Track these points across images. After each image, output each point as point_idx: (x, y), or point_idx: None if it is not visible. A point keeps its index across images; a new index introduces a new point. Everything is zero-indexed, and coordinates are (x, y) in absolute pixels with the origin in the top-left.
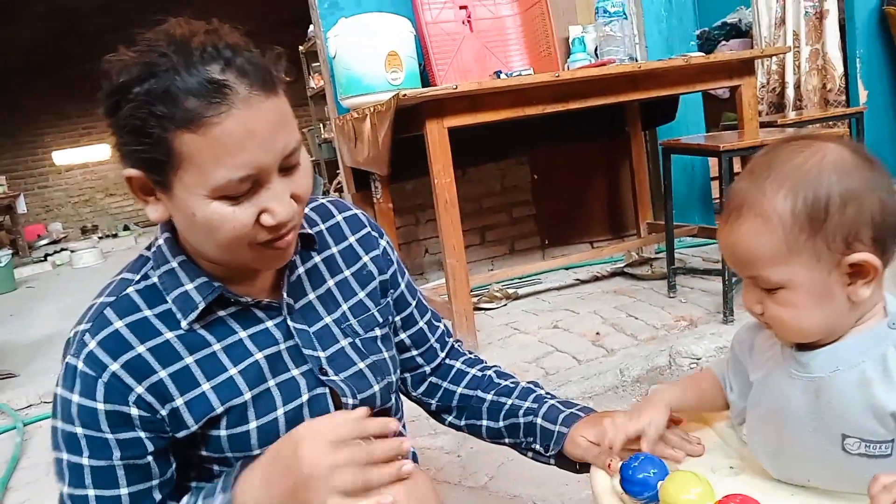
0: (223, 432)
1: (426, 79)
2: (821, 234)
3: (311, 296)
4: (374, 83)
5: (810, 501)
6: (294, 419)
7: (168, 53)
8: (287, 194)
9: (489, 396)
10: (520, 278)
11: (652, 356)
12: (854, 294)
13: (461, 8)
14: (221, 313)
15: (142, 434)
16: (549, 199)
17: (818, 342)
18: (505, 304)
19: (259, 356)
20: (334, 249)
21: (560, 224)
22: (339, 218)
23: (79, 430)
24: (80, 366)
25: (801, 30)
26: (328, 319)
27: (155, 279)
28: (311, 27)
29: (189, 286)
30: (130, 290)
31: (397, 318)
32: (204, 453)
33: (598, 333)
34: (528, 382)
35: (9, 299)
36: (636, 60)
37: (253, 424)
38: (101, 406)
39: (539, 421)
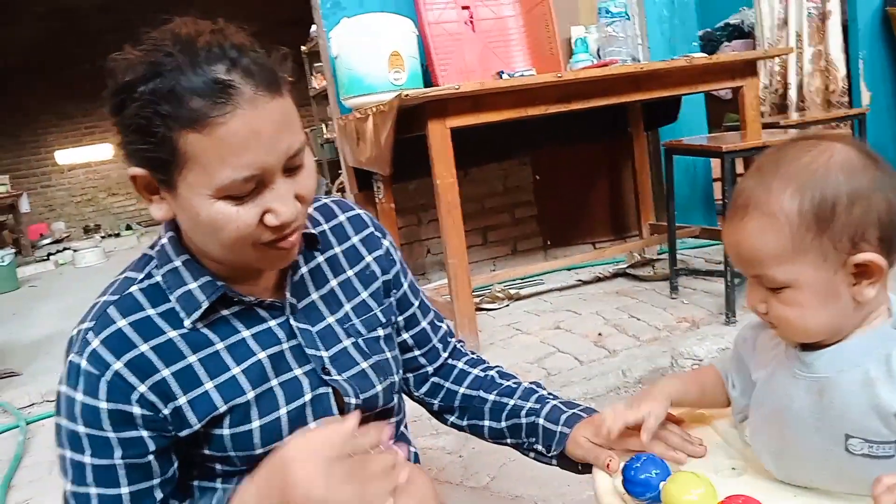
0: (226, 431)
1: (428, 79)
2: (827, 233)
3: (314, 296)
4: (377, 83)
5: (813, 502)
6: (297, 418)
7: (174, 53)
8: (291, 195)
9: (491, 397)
10: (522, 279)
11: (654, 357)
12: (859, 294)
13: (464, 8)
14: (225, 312)
15: (144, 433)
16: (552, 200)
17: (822, 342)
18: (507, 305)
19: (262, 355)
20: (337, 249)
21: (562, 225)
22: (342, 218)
23: (81, 429)
24: (84, 364)
25: (804, 31)
26: (331, 319)
27: (158, 278)
28: (314, 27)
29: (192, 285)
30: (134, 288)
31: (400, 319)
32: (206, 452)
33: (600, 334)
34: (531, 383)
35: (11, 298)
36: (638, 61)
37: (256, 424)
38: (103, 405)
39: (541, 421)
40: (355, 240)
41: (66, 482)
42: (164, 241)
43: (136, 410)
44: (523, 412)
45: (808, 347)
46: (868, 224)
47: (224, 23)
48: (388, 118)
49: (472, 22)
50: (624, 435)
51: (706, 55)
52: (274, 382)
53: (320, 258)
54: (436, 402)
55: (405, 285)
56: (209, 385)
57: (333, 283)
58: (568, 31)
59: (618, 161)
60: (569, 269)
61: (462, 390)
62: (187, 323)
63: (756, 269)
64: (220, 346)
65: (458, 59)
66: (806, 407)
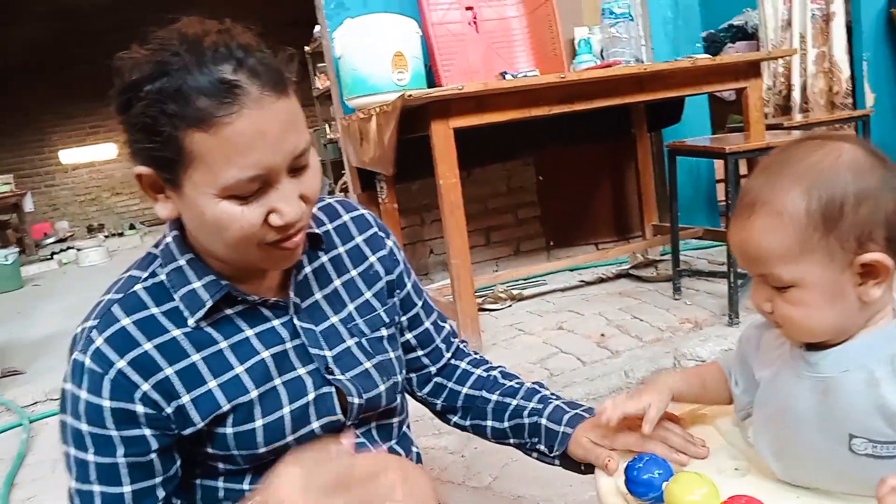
0: (229, 430)
1: (432, 79)
2: (834, 233)
3: (318, 295)
4: (380, 84)
5: (816, 503)
6: (300, 418)
7: (180, 52)
8: (296, 195)
9: (494, 397)
10: (525, 279)
11: (657, 358)
12: (865, 294)
13: (467, 9)
14: (228, 311)
15: (147, 431)
16: (555, 201)
17: (827, 342)
18: (510, 305)
19: (265, 355)
20: (341, 249)
21: (565, 225)
22: (346, 218)
23: (84, 427)
24: (87, 362)
25: (808, 32)
26: (334, 319)
27: (162, 277)
28: (317, 27)
29: (196, 284)
30: (138, 287)
31: (403, 319)
32: (210, 451)
33: (602, 335)
34: (533, 383)
35: (15, 297)
36: (642, 62)
37: (259, 422)
38: (106, 403)
39: (544, 421)
40: (359, 240)
41: (70, 479)
42: (169, 239)
43: (140, 409)
44: (526, 412)
45: (812, 347)
46: (875, 224)
47: (231, 23)
48: (392, 118)
49: (475, 22)
50: (626, 434)
51: (710, 56)
52: (277, 382)
53: (324, 258)
54: (439, 402)
55: (409, 285)
56: (212, 384)
57: (337, 282)
58: (571, 32)
59: (621, 162)
60: (572, 270)
61: (465, 390)
62: (191, 322)
63: (762, 267)
64: (223, 344)
65: (461, 60)
66: (810, 406)
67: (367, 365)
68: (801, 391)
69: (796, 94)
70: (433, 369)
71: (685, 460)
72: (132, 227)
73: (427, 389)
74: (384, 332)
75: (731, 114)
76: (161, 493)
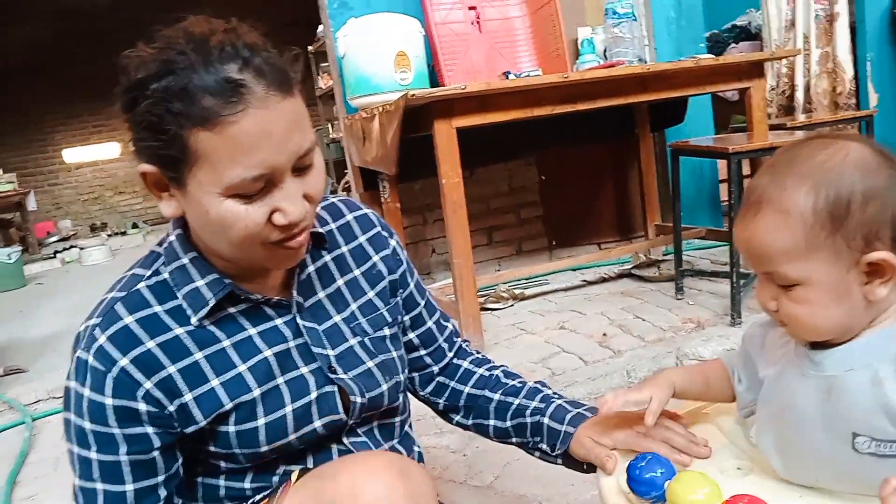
0: (231, 428)
1: (435, 79)
2: (841, 231)
3: (321, 294)
4: (383, 83)
5: (819, 502)
6: (302, 416)
7: (186, 51)
8: (300, 194)
9: (496, 396)
10: (527, 279)
11: (659, 358)
12: (871, 293)
13: (470, 9)
14: (231, 310)
15: (149, 429)
16: (557, 200)
17: (832, 341)
18: (512, 305)
19: (268, 353)
20: (344, 249)
21: (568, 225)
22: (349, 217)
23: (87, 425)
24: (90, 360)
25: (812, 32)
26: (337, 318)
27: (166, 275)
28: (321, 27)
29: (200, 282)
30: (141, 285)
31: (406, 318)
32: (212, 449)
33: (604, 334)
34: (536, 382)
35: (18, 296)
36: (645, 62)
37: (261, 421)
38: (109, 401)
39: (546, 421)
40: (362, 239)
41: (74, 476)
42: (173, 238)
43: (142, 407)
44: (528, 411)
45: (817, 346)
46: (882, 223)
47: (237, 22)
48: (395, 118)
49: (478, 22)
50: (628, 434)
51: (713, 56)
52: (280, 380)
53: (327, 257)
54: (441, 401)
55: (411, 285)
56: (215, 382)
57: (340, 282)
58: (575, 32)
59: (624, 162)
60: (574, 270)
61: (467, 389)
62: (194, 320)
63: (767, 265)
64: (226, 343)
65: (464, 60)
66: (814, 405)
67: (370, 364)
68: (806, 390)
69: (800, 95)
70: (435, 368)
71: (687, 461)
72: (135, 225)
73: (429, 389)
74: (387, 331)
75: (734, 114)
76: (163, 493)
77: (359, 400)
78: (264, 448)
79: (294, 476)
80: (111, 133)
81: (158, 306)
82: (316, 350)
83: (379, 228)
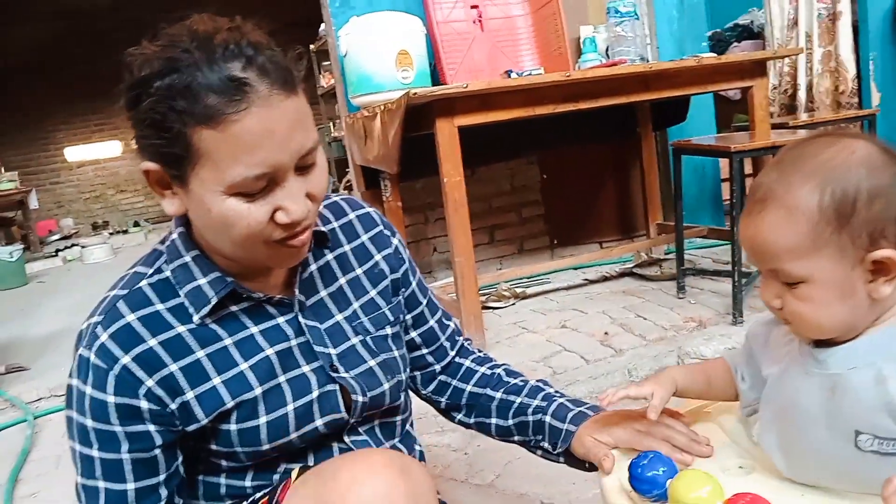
0: (233, 427)
1: (436, 78)
2: (847, 229)
3: (323, 293)
4: (385, 82)
5: (821, 501)
6: (304, 415)
7: (190, 49)
8: (302, 193)
9: (498, 394)
10: (528, 278)
11: (660, 357)
12: (875, 291)
13: (472, 7)
14: (233, 308)
15: (151, 427)
16: (559, 199)
17: (836, 339)
18: (513, 304)
19: (270, 352)
20: (347, 247)
21: (569, 224)
22: (352, 216)
23: (89, 423)
24: (92, 358)
25: (814, 31)
26: (339, 317)
27: (168, 273)
28: (322, 26)
29: (202, 281)
30: (143, 283)
31: (408, 317)
32: (213, 447)
33: (606, 333)
34: (537, 381)
35: (20, 294)
36: (647, 61)
37: (263, 419)
38: (111, 399)
39: (548, 419)
40: (364, 238)
41: (76, 474)
42: (175, 236)
43: (144, 404)
44: (530, 410)
45: (821, 344)
46: (888, 221)
47: (241, 20)
48: (396, 116)
49: (480, 21)
50: (629, 433)
51: (715, 55)
52: (281, 379)
53: (329, 256)
54: (443, 399)
55: (413, 284)
56: (217, 380)
57: (342, 280)
58: (577, 31)
59: (626, 161)
60: (575, 269)
61: (469, 388)
62: (196, 318)
63: (772, 262)
64: (228, 341)
65: (466, 58)
66: (817, 403)
67: (372, 363)
68: (809, 388)
69: (802, 94)
70: (437, 367)
71: (689, 459)
72: (136, 224)
73: (431, 387)
74: (389, 330)
75: (736, 113)
76: (164, 493)
77: (360, 399)
78: (265, 446)
79: (294, 474)
80: (113, 131)
81: (160, 304)
82: (318, 349)
83: (381, 227)
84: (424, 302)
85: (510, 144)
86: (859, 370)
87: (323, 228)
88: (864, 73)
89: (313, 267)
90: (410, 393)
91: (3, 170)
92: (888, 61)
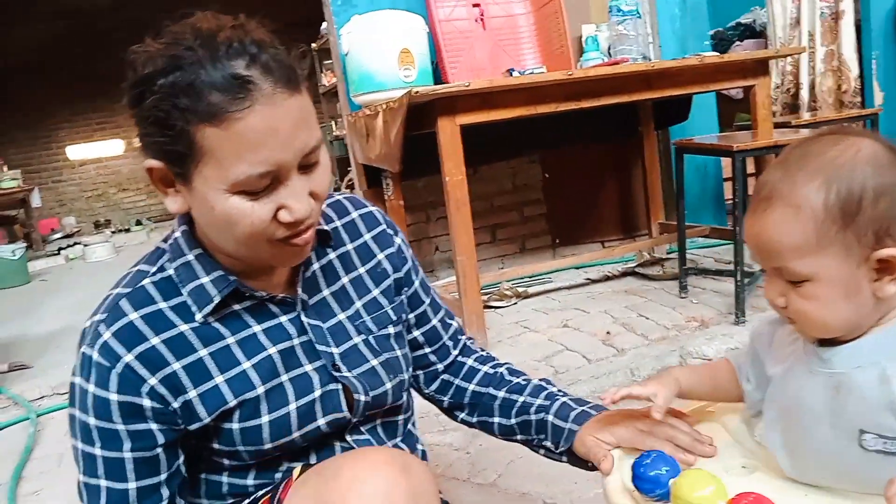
0: (235, 425)
1: (438, 76)
2: (852, 227)
3: (326, 292)
4: (387, 80)
5: (824, 501)
6: (306, 414)
7: (194, 47)
8: (305, 192)
9: (501, 393)
10: (530, 277)
11: (662, 356)
12: (880, 290)
13: (474, 6)
14: (236, 307)
15: (153, 426)
16: (561, 199)
17: (840, 338)
18: (515, 303)
19: (272, 350)
20: (349, 246)
21: (571, 223)
22: (354, 215)
23: (92, 421)
24: (95, 356)
25: (817, 30)
26: (342, 316)
27: (171, 271)
28: (324, 24)
29: (205, 279)
30: (146, 281)
31: (411, 316)
32: (215, 446)
33: (608, 333)
34: (540, 380)
35: (22, 292)
36: (649, 60)
37: (265, 418)
38: (113, 397)
39: (550, 418)
40: (367, 237)
41: (79, 472)
42: (178, 234)
43: (146, 403)
44: (533, 409)
45: (825, 343)
46: (893, 219)
47: (245, 18)
48: (398, 115)
49: (482, 19)
50: (632, 432)
51: (717, 54)
52: (284, 378)
53: (332, 255)
54: (445, 399)
55: (416, 283)
56: (219, 379)
57: (345, 279)
58: (579, 30)
59: (628, 160)
60: (577, 268)
61: (472, 387)
62: (198, 317)
63: (777, 261)
64: (230, 340)
65: (468, 57)
66: (821, 402)
67: (374, 362)
68: (814, 387)
69: (804, 93)
70: (440, 366)
71: (692, 459)
72: (139, 222)
73: (434, 386)
74: (391, 329)
75: (738, 112)
76: (165, 493)
77: (363, 398)
78: (268, 445)
79: (296, 472)
80: (115, 130)
81: (163, 303)
82: (320, 348)
83: (384, 226)
84: (427, 301)
85: (512, 143)
86: (864, 369)
87: (326, 227)
88: (867, 73)
89: (316, 266)
90: (413, 392)
91: (5, 168)
92: (891, 60)
